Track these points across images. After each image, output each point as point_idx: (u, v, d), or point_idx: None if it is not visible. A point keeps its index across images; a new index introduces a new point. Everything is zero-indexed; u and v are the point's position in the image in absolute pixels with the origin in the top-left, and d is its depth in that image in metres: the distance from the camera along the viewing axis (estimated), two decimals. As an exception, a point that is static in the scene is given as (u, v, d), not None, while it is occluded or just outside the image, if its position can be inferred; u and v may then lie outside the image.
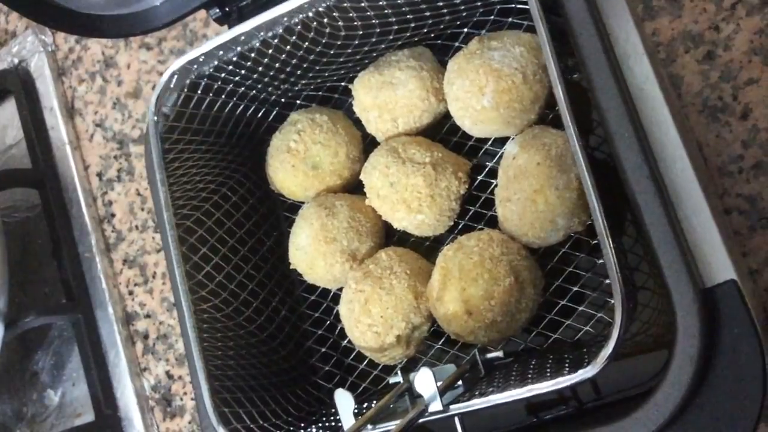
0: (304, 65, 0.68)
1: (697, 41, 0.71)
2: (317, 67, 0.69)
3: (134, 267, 0.98)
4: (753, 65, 0.69)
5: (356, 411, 0.54)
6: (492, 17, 0.67)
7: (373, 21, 0.63)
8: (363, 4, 0.61)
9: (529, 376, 0.55)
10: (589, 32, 0.50)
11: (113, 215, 1.01)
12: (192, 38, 0.98)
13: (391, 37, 0.67)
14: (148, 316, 0.96)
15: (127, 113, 1.02)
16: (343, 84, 0.74)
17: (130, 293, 0.98)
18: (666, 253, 0.47)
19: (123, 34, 0.65)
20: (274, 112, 0.74)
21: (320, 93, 0.75)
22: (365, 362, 0.70)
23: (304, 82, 0.71)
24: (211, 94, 0.68)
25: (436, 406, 0.52)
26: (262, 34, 0.63)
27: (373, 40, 0.66)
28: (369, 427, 0.55)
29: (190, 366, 0.63)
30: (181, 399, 0.93)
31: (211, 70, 0.66)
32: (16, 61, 1.08)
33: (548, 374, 0.53)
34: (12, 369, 1.03)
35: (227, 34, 0.62)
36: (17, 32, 1.11)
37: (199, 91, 0.67)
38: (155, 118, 0.64)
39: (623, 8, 0.52)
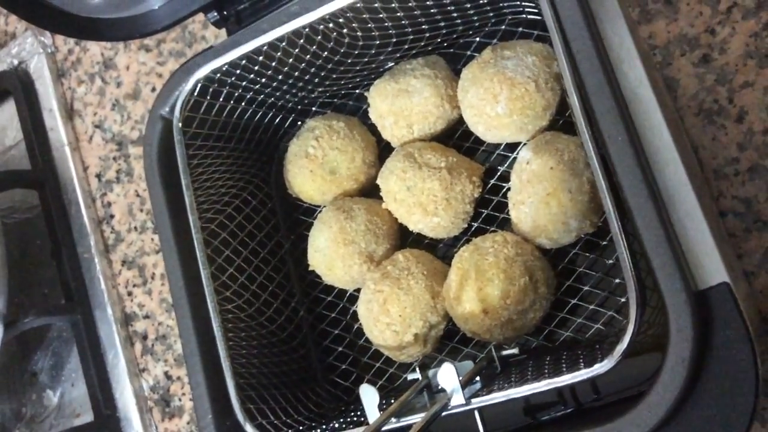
0: (322, 73, 0.70)
1: (693, 44, 0.71)
2: (334, 75, 0.71)
3: (133, 268, 0.99)
4: (748, 68, 0.69)
5: (380, 406, 0.56)
6: (503, 27, 0.69)
7: (390, 31, 0.65)
8: (381, 15, 0.63)
9: (546, 371, 0.56)
10: (583, 37, 0.50)
11: (112, 216, 1.01)
12: (191, 40, 0.98)
13: (406, 47, 0.69)
14: (147, 316, 0.97)
15: (126, 114, 1.02)
16: (357, 91, 0.75)
17: (129, 294, 0.98)
18: (658, 255, 0.47)
19: (121, 38, 0.65)
20: (290, 118, 0.76)
21: (335, 99, 0.76)
22: (381, 360, 0.71)
23: (320, 89, 0.73)
24: (232, 102, 0.70)
25: (458, 399, 0.54)
26: (283, 44, 0.64)
27: (389, 49, 0.68)
28: (392, 420, 0.56)
29: (188, 365, 0.63)
30: (180, 399, 0.93)
31: (233, 78, 0.67)
32: (15, 62, 1.08)
33: (564, 369, 0.54)
34: (11, 369, 1.03)
35: (250, 44, 0.64)
36: (17, 34, 1.12)
37: (221, 99, 0.69)
38: (179, 125, 0.66)
39: (617, 13, 0.52)
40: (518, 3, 0.65)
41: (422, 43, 0.69)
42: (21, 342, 1.03)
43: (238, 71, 0.66)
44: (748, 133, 0.69)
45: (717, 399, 0.46)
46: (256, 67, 0.66)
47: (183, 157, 0.65)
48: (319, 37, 0.64)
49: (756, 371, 0.46)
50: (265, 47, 0.64)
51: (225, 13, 0.65)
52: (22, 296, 1.02)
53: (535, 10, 0.64)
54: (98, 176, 1.03)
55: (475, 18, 0.66)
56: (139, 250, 0.99)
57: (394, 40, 0.67)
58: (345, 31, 0.64)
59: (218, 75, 0.66)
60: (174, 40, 0.99)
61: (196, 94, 0.66)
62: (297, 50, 0.65)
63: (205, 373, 0.62)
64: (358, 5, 0.61)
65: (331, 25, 0.63)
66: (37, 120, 1.05)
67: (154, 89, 1.01)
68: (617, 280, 0.62)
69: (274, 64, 0.66)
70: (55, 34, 1.06)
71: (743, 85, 0.69)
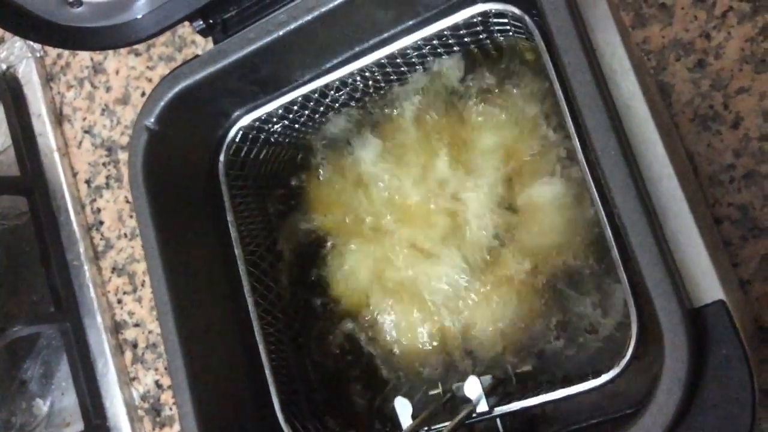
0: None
1: (688, 49, 0.71)
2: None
3: (123, 275, 0.98)
4: (744, 74, 0.69)
5: (412, 416, 0.61)
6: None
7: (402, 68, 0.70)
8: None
9: (557, 383, 0.61)
10: (575, 49, 0.49)
11: (102, 223, 1.00)
12: (181, 44, 0.97)
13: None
14: (137, 324, 0.96)
15: (116, 120, 1.01)
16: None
17: (119, 302, 0.97)
18: (653, 273, 0.46)
19: (106, 47, 0.64)
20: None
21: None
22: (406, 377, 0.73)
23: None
24: (258, 144, 0.74)
25: (482, 407, 0.59)
26: (316, 95, 0.69)
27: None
28: (424, 428, 0.62)
29: (174, 383, 0.62)
30: (171, 409, 0.92)
31: (273, 126, 0.73)
32: (3, 66, 1.07)
33: (574, 381, 0.58)
34: (0, 378, 1.02)
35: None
36: (5, 38, 1.11)
37: (248, 142, 0.73)
38: (223, 168, 0.71)
39: (609, 23, 0.51)
40: (510, 34, 0.66)
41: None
42: (10, 350, 1.02)
43: (274, 119, 0.71)
44: (744, 140, 0.68)
45: (713, 419, 0.46)
46: (291, 115, 0.71)
47: (228, 196, 0.70)
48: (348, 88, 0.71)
49: (752, 391, 0.45)
50: (300, 99, 0.69)
51: (211, 21, 0.64)
52: (11, 304, 1.01)
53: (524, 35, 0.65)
54: (88, 182, 1.02)
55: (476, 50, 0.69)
56: (129, 257, 0.97)
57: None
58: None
59: (257, 123, 0.71)
60: (164, 44, 0.98)
61: (237, 140, 0.71)
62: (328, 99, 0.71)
63: (191, 391, 0.61)
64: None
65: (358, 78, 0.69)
66: (26, 125, 1.04)
67: (143, 94, 1.00)
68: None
69: (306, 112, 0.72)
70: (39, 44, 1.05)
71: (739, 91, 0.69)
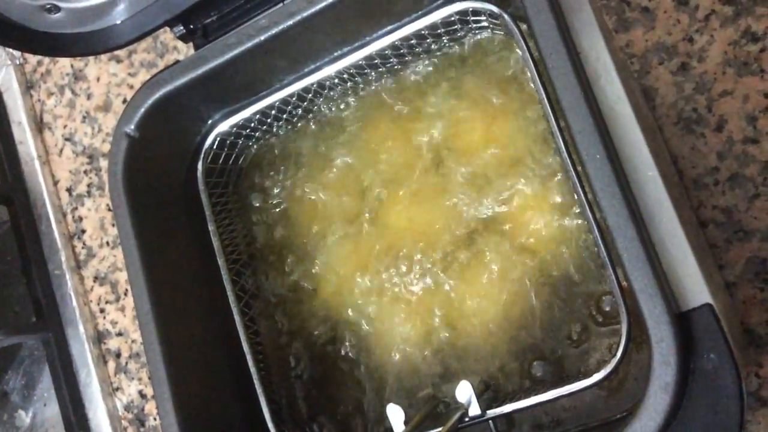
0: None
1: (671, 53, 0.70)
2: None
3: (105, 284, 0.97)
4: (727, 77, 0.68)
5: (405, 422, 0.61)
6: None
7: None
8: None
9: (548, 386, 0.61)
10: (560, 53, 0.49)
11: (83, 231, 0.99)
12: (163, 50, 0.96)
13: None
14: (120, 334, 0.95)
15: (97, 127, 1.00)
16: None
17: (102, 311, 0.96)
18: (640, 277, 0.46)
19: (85, 53, 0.64)
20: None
21: None
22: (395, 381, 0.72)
23: None
24: (236, 150, 0.73)
25: (474, 410, 0.59)
26: (295, 99, 0.69)
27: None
28: None
29: (156, 393, 0.61)
30: (155, 419, 0.92)
31: (248, 131, 0.72)
32: (-18, 75, 1.06)
33: (564, 383, 0.58)
34: (-19, 390, 1.01)
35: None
36: (-16, 45, 1.10)
37: (226, 149, 0.72)
38: (202, 176, 0.69)
39: (593, 26, 0.51)
40: (489, 32, 0.66)
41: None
42: (-9, 361, 1.01)
43: (252, 124, 0.71)
44: (728, 142, 0.68)
45: (702, 423, 0.45)
46: (268, 120, 0.71)
47: (208, 204, 0.69)
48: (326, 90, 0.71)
49: (740, 394, 0.45)
50: (279, 103, 0.69)
51: (191, 26, 0.64)
52: (-8, 314, 1.01)
53: (502, 33, 0.64)
54: (69, 190, 1.01)
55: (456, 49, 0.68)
56: (111, 265, 0.96)
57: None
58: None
59: (235, 129, 0.70)
60: (145, 50, 0.98)
61: (215, 147, 0.70)
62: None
63: (174, 401, 0.60)
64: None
65: (336, 80, 0.69)
66: (6, 133, 1.03)
67: (125, 101, 0.99)
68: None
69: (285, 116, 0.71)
70: (16, 50, 1.04)
71: (722, 94, 0.69)
